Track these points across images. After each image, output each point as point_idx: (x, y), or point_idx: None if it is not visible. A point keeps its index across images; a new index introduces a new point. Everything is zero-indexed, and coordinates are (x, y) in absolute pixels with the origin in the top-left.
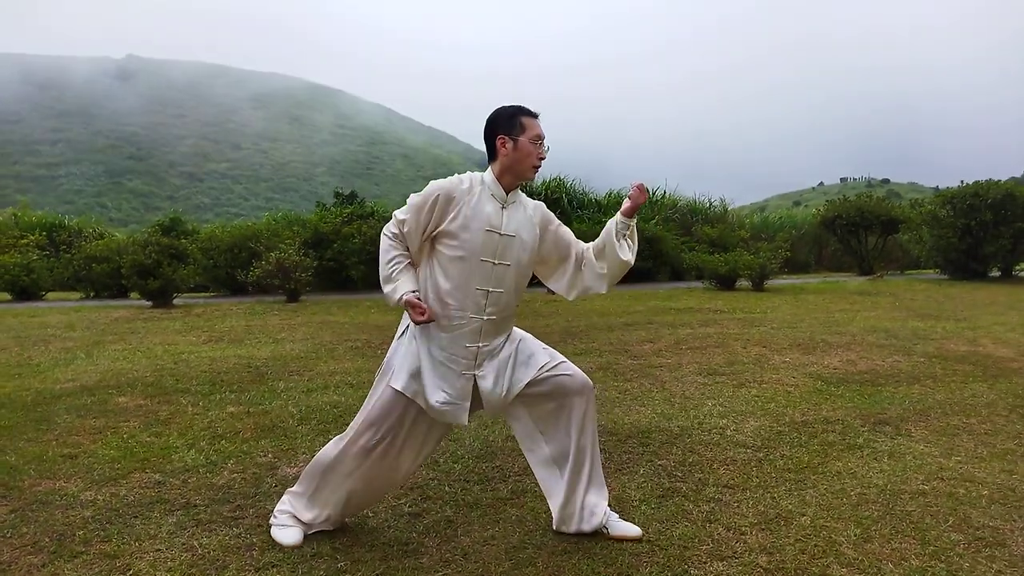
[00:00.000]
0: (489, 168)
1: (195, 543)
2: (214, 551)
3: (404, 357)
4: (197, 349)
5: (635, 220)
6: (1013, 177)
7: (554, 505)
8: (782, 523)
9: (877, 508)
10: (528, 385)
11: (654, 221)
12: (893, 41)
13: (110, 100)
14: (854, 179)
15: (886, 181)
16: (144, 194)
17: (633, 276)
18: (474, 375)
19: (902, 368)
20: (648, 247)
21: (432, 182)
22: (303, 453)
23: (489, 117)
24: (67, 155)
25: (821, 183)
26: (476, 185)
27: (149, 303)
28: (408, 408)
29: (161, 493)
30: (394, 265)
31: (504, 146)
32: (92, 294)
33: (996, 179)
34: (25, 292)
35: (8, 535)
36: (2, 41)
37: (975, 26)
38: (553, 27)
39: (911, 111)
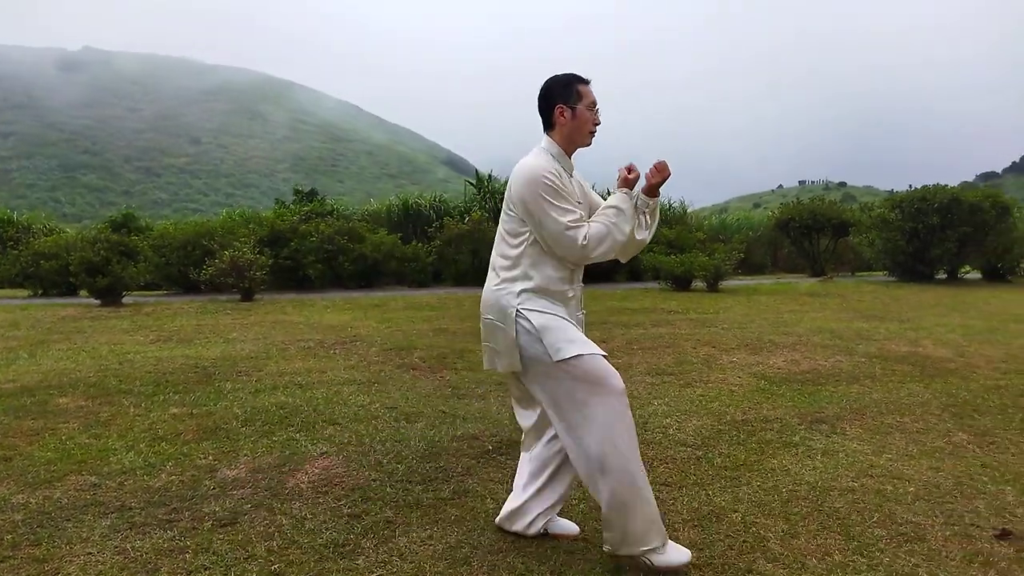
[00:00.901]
0: (548, 140)
1: (127, 546)
2: (147, 554)
3: (553, 331)
4: (144, 349)
5: (657, 199)
6: (965, 181)
7: (511, 502)
8: (714, 520)
9: (806, 504)
10: None
11: None
12: (851, 49)
13: (63, 93)
14: (812, 182)
15: (843, 184)
16: (99, 189)
17: (591, 276)
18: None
19: (843, 368)
20: None
21: (531, 170)
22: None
23: (543, 87)
24: (19, 149)
25: (780, 186)
26: (554, 162)
27: (98, 301)
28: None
29: (96, 496)
30: (603, 216)
31: (563, 115)
32: (40, 292)
33: (944, 184)
34: None
35: None
36: None
37: (932, 36)
38: (519, 26)
39: (872, 117)
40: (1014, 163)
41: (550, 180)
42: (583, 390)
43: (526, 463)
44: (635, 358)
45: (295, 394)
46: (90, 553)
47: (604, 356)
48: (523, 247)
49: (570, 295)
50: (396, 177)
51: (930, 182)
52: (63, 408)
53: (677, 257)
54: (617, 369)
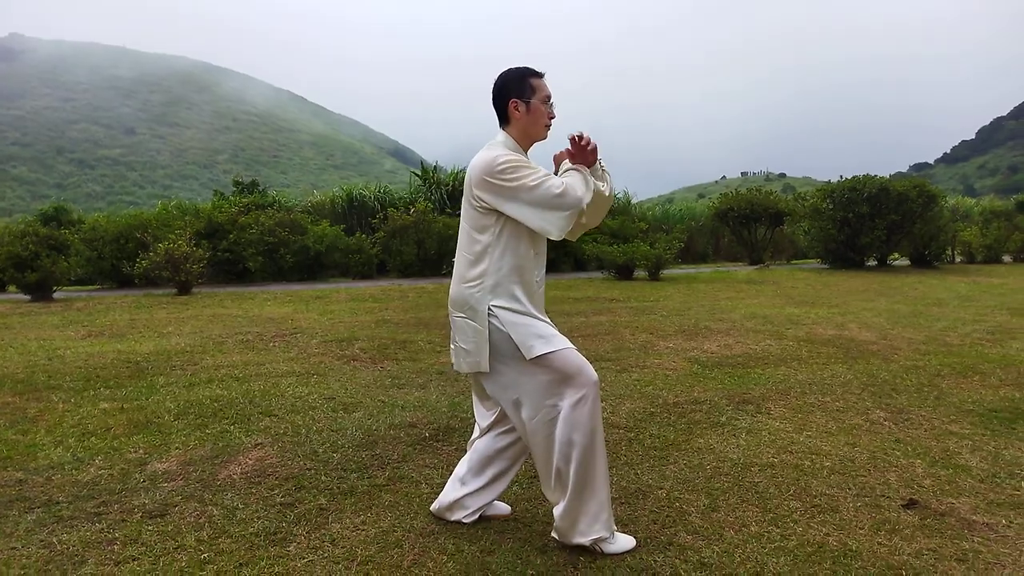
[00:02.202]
0: (504, 134)
1: (54, 539)
2: (74, 546)
3: (523, 328)
4: (74, 344)
5: (595, 162)
6: (899, 172)
7: (448, 493)
8: (640, 497)
9: (728, 480)
10: None
11: None
12: (795, 47)
13: None
14: (754, 173)
15: (783, 175)
16: (30, 182)
17: None
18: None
19: (772, 351)
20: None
21: (485, 161)
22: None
23: (497, 82)
24: None
25: (723, 176)
26: (508, 151)
27: (27, 297)
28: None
29: (22, 491)
30: (568, 174)
31: (517, 109)
32: None
33: (874, 174)
34: None
35: None
36: None
37: (868, 34)
38: (471, 17)
39: (814, 111)
40: (945, 154)
41: (504, 162)
42: (558, 383)
43: (467, 455)
44: (574, 345)
45: (231, 387)
46: (14, 548)
47: (575, 348)
48: (491, 239)
49: (537, 279)
50: (341, 168)
51: (865, 172)
52: None
53: (619, 247)
54: None
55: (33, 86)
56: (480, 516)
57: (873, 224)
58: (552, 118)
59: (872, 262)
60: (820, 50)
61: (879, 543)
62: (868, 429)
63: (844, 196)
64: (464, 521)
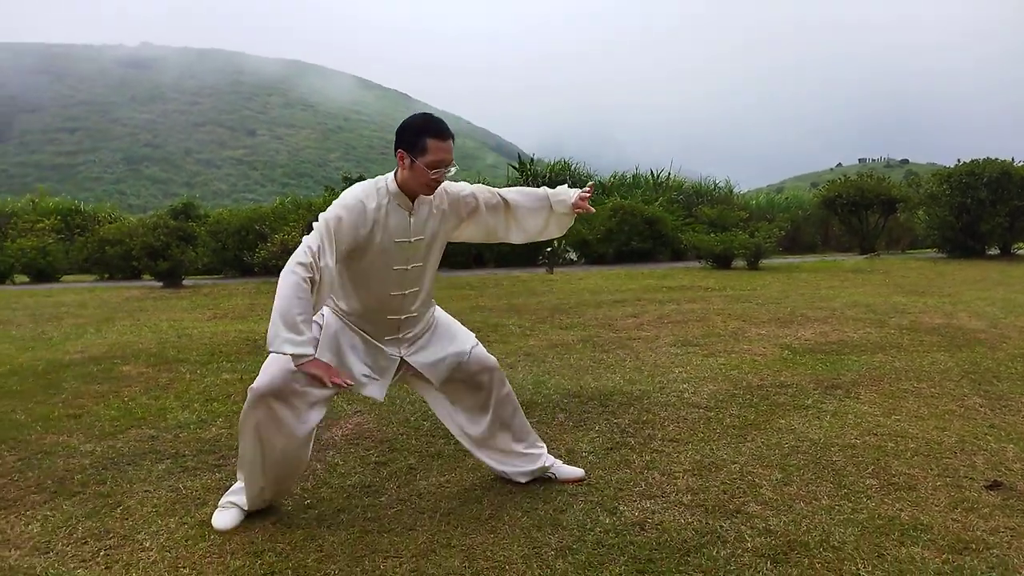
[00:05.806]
0: (391, 176)
1: (180, 485)
2: (196, 491)
3: (324, 336)
4: (200, 325)
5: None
6: None
7: (494, 466)
8: (713, 470)
9: (805, 458)
10: (456, 364)
11: (658, 203)
12: (910, 22)
13: (126, 88)
14: (873, 160)
15: (905, 161)
16: (161, 181)
17: (632, 256)
18: (400, 356)
19: (871, 339)
20: (648, 228)
21: (339, 203)
22: None
23: (401, 124)
24: (85, 144)
25: (839, 164)
26: (383, 198)
27: (160, 284)
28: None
29: (154, 446)
30: (302, 310)
31: (402, 161)
32: (106, 276)
33: (994, 157)
34: (42, 274)
35: (15, 479)
36: (13, 28)
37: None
38: (543, 15)
39: (935, 91)
40: None
41: (330, 222)
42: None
43: (474, 444)
44: (663, 331)
45: None
46: (147, 491)
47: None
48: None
49: (369, 324)
50: None
51: (995, 156)
52: (126, 374)
53: (717, 236)
54: (644, 341)
55: (162, 92)
56: (556, 478)
57: (994, 210)
58: (438, 182)
59: (994, 251)
60: (951, 27)
61: (953, 519)
62: (961, 415)
63: (962, 181)
64: (519, 480)
